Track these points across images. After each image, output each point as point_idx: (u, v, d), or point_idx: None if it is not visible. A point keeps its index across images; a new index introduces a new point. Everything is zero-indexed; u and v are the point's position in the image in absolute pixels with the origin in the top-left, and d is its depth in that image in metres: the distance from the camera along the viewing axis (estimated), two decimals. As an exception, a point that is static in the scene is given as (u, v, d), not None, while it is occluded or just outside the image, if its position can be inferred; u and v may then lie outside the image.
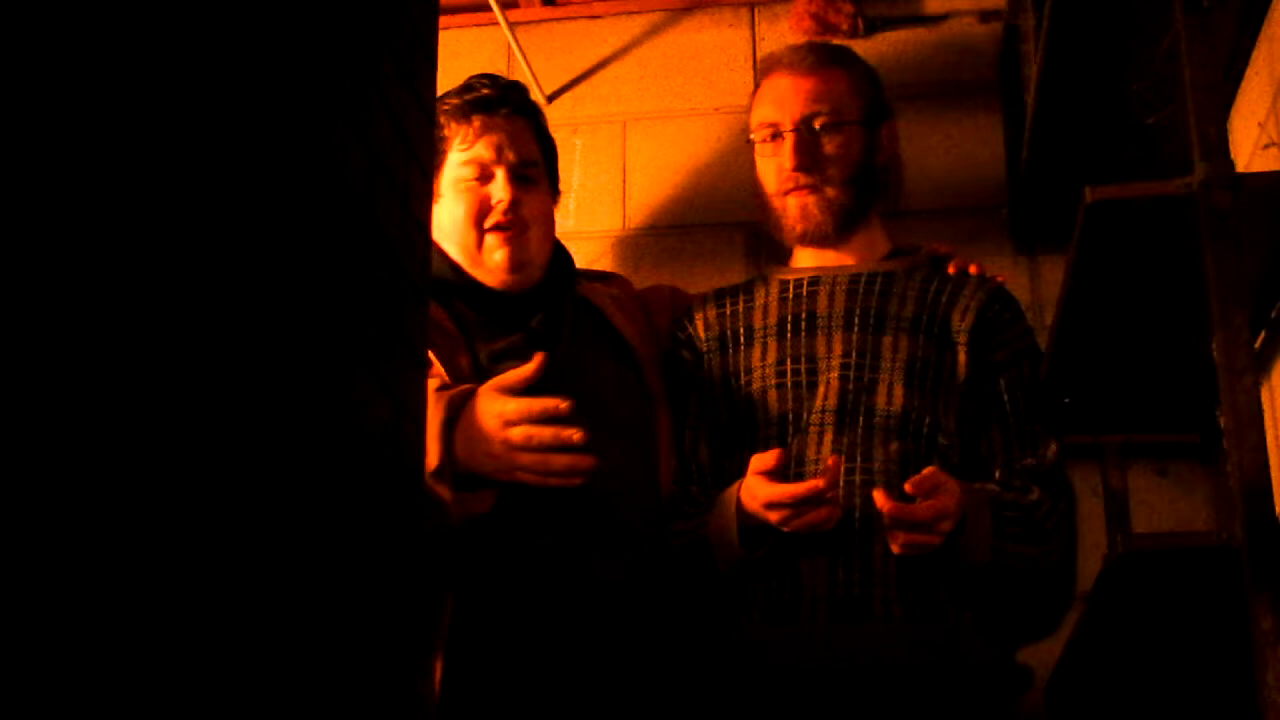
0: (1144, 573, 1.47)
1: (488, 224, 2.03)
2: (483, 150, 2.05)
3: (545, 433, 1.80)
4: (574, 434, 1.80)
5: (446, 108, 2.04)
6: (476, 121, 2.06)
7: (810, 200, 2.05)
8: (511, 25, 2.60)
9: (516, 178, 2.05)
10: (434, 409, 1.80)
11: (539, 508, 1.86)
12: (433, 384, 1.82)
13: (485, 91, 2.07)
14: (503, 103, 2.08)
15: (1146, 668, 1.79)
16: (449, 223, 2.03)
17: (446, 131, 2.04)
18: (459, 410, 1.84)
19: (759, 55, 2.62)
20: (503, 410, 1.81)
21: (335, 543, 1.15)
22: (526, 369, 1.84)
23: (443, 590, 1.77)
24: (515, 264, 2.03)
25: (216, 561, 0.96)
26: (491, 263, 2.03)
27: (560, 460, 1.81)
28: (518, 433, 1.80)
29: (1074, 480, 2.15)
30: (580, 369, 2.00)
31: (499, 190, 2.03)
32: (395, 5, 1.36)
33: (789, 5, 2.63)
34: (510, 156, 2.05)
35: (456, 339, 1.96)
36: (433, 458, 1.77)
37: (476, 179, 2.03)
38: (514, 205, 2.03)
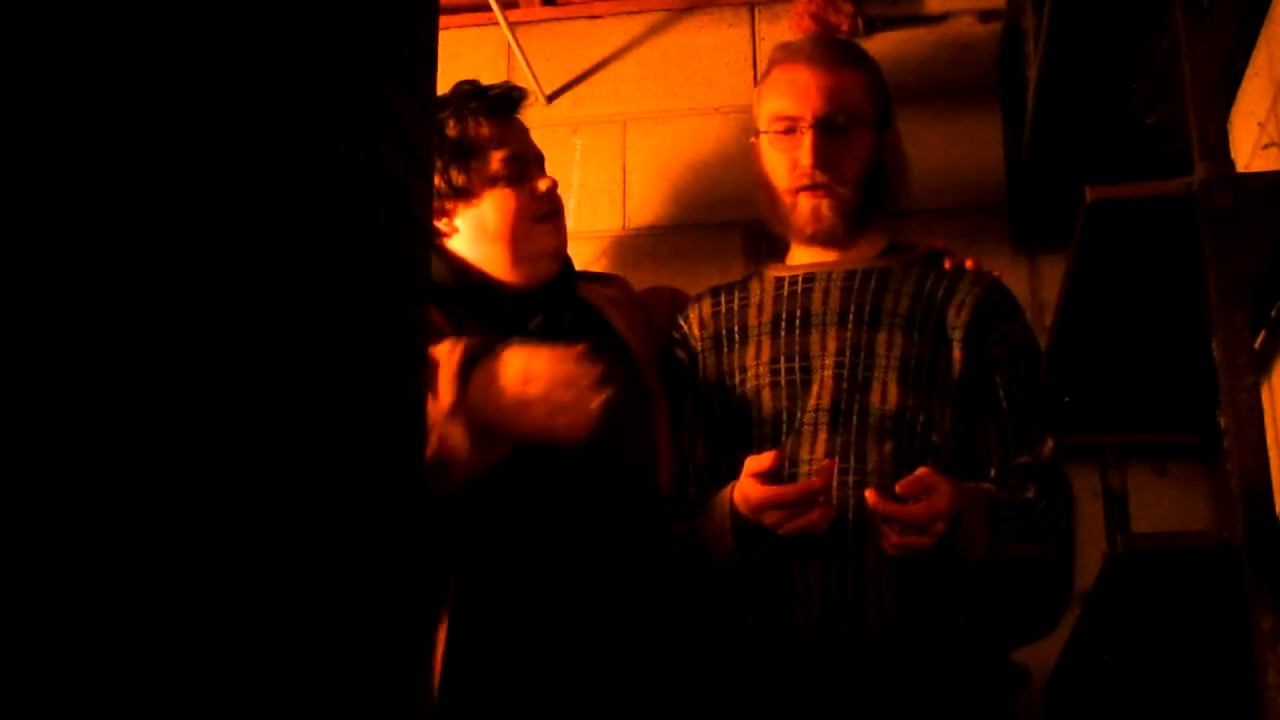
0: (1144, 573, 1.47)
1: (540, 214, 2.05)
2: (523, 145, 2.08)
3: (566, 394, 1.77)
4: (592, 397, 1.77)
5: (474, 107, 2.05)
6: (511, 119, 2.09)
7: (824, 202, 2.03)
8: (511, 25, 2.59)
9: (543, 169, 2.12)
10: (451, 354, 1.80)
11: (542, 479, 1.85)
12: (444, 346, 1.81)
13: (499, 89, 2.10)
14: (523, 98, 2.12)
15: (1146, 668, 1.79)
16: (498, 220, 2.03)
17: (477, 133, 2.04)
18: (476, 358, 1.81)
19: (759, 55, 2.62)
20: (528, 364, 1.78)
21: (335, 540, 1.15)
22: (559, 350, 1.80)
23: (444, 576, 1.77)
24: (561, 250, 2.08)
25: (215, 558, 0.96)
26: (542, 252, 2.05)
27: (568, 399, 1.77)
28: (536, 388, 1.77)
29: (1073, 480, 2.14)
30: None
31: (543, 180, 2.07)
32: (395, 5, 1.36)
33: (789, 5, 2.63)
34: (539, 150, 2.12)
35: None
36: (446, 396, 1.77)
37: (518, 173, 2.05)
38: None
